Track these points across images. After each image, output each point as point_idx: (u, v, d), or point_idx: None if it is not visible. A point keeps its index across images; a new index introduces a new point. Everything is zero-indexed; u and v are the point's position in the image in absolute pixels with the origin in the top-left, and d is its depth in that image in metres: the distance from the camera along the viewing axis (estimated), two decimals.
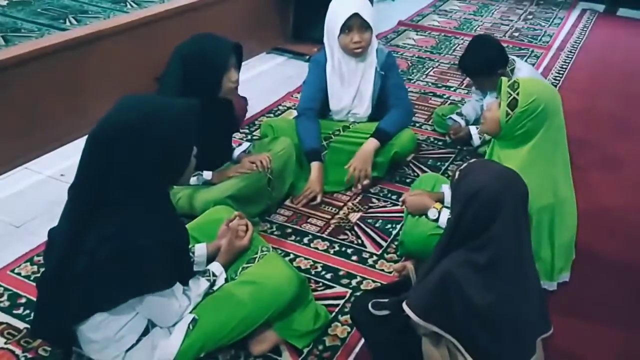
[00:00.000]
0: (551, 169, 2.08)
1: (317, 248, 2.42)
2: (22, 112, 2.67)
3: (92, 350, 1.70)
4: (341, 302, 2.14)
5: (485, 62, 2.89)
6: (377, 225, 2.57)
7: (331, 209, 2.67)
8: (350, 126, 2.86)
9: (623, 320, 2.14)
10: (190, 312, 1.76)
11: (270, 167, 2.51)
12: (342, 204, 2.72)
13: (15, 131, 2.62)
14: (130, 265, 1.54)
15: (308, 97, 2.86)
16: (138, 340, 1.69)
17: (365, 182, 2.75)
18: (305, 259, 2.35)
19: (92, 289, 1.57)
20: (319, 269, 2.30)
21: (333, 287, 2.21)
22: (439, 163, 3.09)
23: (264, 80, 4.05)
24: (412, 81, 4.17)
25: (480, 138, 3.06)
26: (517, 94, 2.01)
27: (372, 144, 2.72)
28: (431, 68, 4.43)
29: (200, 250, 1.95)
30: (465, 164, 1.70)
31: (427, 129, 3.46)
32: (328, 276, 2.26)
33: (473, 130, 3.08)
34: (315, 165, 2.70)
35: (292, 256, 2.37)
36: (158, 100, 1.63)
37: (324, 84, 2.84)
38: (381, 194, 2.79)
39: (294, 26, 4.43)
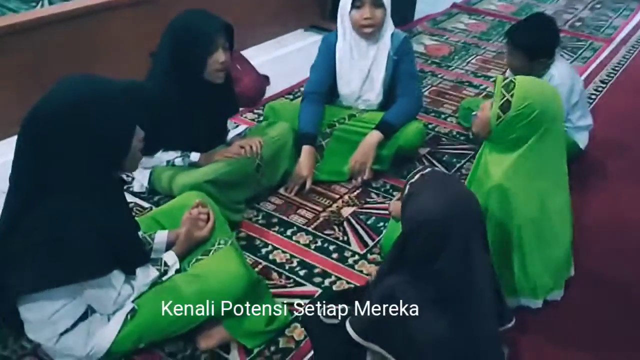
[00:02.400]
0: (539, 180, 1.88)
1: (298, 241, 2.31)
2: (28, 77, 2.67)
3: (29, 329, 1.67)
4: (307, 302, 2.03)
5: (534, 41, 2.64)
6: (368, 222, 2.43)
7: (325, 201, 2.55)
8: (357, 115, 2.72)
9: (615, 350, 1.93)
10: (133, 301, 1.70)
11: (261, 153, 2.41)
12: (337, 196, 2.59)
13: (16, 97, 2.62)
14: (60, 251, 1.50)
15: (315, 80, 2.73)
16: (75, 325, 1.65)
17: (366, 176, 2.60)
18: (283, 252, 2.25)
19: (23, 272, 1.53)
20: (294, 264, 2.20)
21: (303, 284, 2.11)
22: (454, 160, 2.90)
23: (296, 58, 3.92)
24: (450, 68, 3.94)
25: None
26: (512, 95, 1.82)
27: (374, 136, 2.57)
28: (474, 55, 4.18)
29: (160, 237, 1.89)
30: (415, 176, 1.55)
31: (452, 122, 3.26)
32: (302, 272, 2.16)
33: None
34: (305, 149, 2.56)
35: (270, 248, 2.27)
36: (96, 83, 1.54)
37: (332, 67, 2.70)
38: (382, 189, 2.64)
39: (333, 4, 4.25)
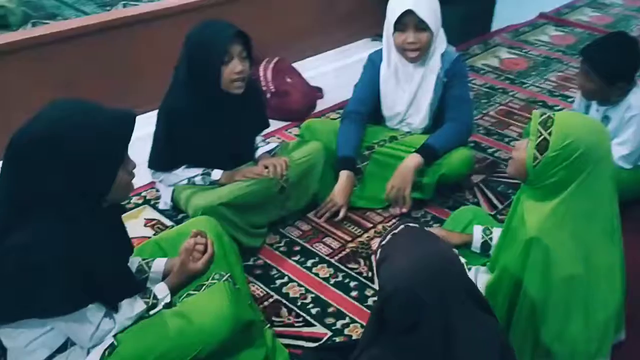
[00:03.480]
0: (585, 232, 1.60)
1: (317, 274, 2.13)
2: (61, 88, 2.65)
3: (9, 357, 1.60)
4: (314, 344, 1.85)
5: (613, 63, 2.34)
6: None
7: (356, 230, 2.36)
8: (399, 137, 2.50)
9: None
10: (115, 336, 1.59)
11: (286, 174, 2.25)
12: (371, 225, 2.39)
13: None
14: (27, 283, 1.40)
15: (357, 99, 2.55)
16: (52, 357, 1.56)
17: (404, 208, 2.38)
18: (299, 285, 2.08)
19: None
20: (308, 300, 2.02)
21: (313, 325, 1.93)
22: (510, 191, 2.61)
23: (358, 69, 3.72)
24: (525, 85, 3.62)
25: None
26: (549, 133, 1.56)
27: (414, 160, 2.34)
28: (555, 71, 3.82)
29: (157, 266, 1.78)
30: (387, 237, 1.37)
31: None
32: (314, 311, 1.98)
33: None
34: (342, 175, 2.38)
35: (285, 279, 2.11)
36: (82, 109, 1.44)
37: (376, 86, 2.50)
38: (422, 220, 2.42)
39: None
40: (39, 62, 2.54)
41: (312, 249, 2.25)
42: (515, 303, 1.70)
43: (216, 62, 2.07)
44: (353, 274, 2.14)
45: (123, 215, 2.32)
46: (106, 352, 1.55)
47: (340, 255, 2.23)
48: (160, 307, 1.65)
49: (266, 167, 2.24)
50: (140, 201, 2.48)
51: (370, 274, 2.15)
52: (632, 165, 2.43)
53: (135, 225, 2.32)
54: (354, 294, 2.06)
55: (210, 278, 1.72)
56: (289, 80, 3.09)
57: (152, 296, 1.66)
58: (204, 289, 1.69)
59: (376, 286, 2.08)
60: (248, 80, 2.24)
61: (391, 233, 1.39)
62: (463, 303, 1.28)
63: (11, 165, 1.43)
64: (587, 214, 1.59)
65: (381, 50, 2.49)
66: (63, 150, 1.38)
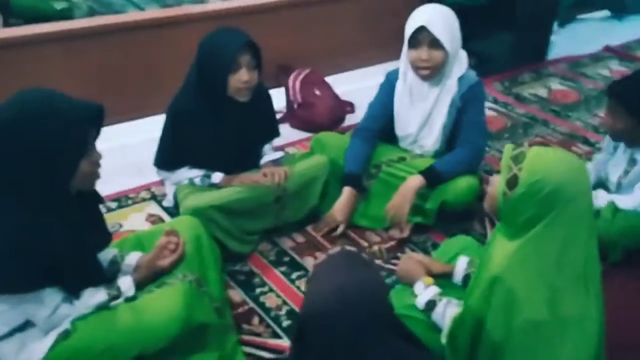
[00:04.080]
0: (553, 275, 1.49)
1: (299, 287, 2.11)
2: (91, 80, 2.76)
3: None
4: (275, 356, 1.84)
5: None
6: (387, 280, 2.16)
7: (350, 247, 2.32)
8: (408, 158, 2.45)
9: None
10: (73, 321, 1.63)
11: (284, 184, 2.26)
12: (367, 244, 2.35)
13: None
14: None
15: (369, 116, 2.52)
16: (11, 334, 1.61)
17: (404, 233, 2.34)
18: (277, 295, 2.07)
19: None
20: (283, 312, 2.01)
21: (280, 337, 1.91)
22: None
23: None
24: (570, 118, 3.46)
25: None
26: (520, 169, 1.49)
27: (415, 180, 2.28)
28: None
29: (130, 259, 1.82)
30: (323, 256, 1.34)
31: None
32: (285, 324, 1.96)
33: None
34: (345, 191, 2.36)
35: (266, 288, 2.11)
36: (48, 99, 1.49)
37: (390, 105, 2.47)
38: (422, 246, 2.35)
39: None
40: (71, 54, 2.65)
41: (301, 262, 2.23)
42: (478, 342, 1.62)
43: (224, 70, 2.10)
44: None
45: (128, 208, 2.46)
46: (59, 337, 1.60)
47: None
48: (121, 299, 1.69)
49: (265, 175, 2.25)
50: (148, 196, 2.55)
51: None
52: None
53: (137, 218, 2.39)
54: None
55: (175, 277, 1.74)
56: (317, 92, 3.10)
57: (116, 288, 1.69)
58: (164, 286, 1.71)
59: None
60: (260, 88, 2.28)
61: (327, 254, 1.37)
62: (380, 335, 1.25)
63: None
64: (556, 256, 1.49)
65: (397, 70, 2.46)
66: (24, 139, 1.43)
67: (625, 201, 2.30)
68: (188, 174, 2.28)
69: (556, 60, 4.20)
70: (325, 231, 2.37)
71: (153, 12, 3.00)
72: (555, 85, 3.87)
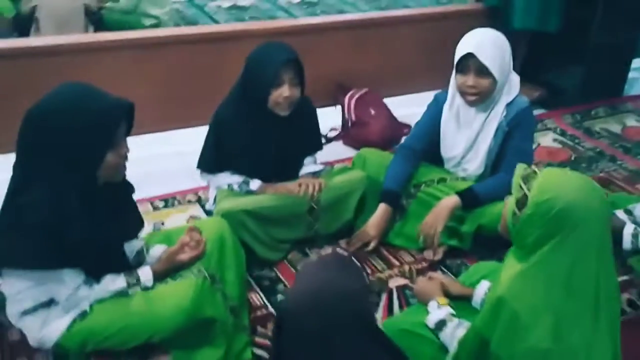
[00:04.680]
0: (558, 299, 1.43)
1: None
2: (159, 85, 2.91)
3: (7, 302, 1.80)
4: None
5: None
6: (411, 301, 2.13)
7: (380, 265, 2.31)
8: (448, 180, 2.41)
9: None
10: (92, 305, 1.72)
11: (318, 196, 2.28)
12: (398, 264, 2.33)
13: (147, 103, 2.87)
14: (14, 238, 1.59)
15: (414, 135, 2.51)
16: (35, 309, 1.72)
17: (437, 255, 2.30)
18: None
19: None
20: None
21: None
22: None
23: None
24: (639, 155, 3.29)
25: (632, 243, 2.27)
26: (529, 189, 1.45)
27: (451, 200, 2.25)
28: None
29: (154, 251, 1.90)
30: (314, 255, 1.35)
31: None
32: None
33: (627, 229, 2.31)
34: (380, 207, 2.35)
35: (281, 286, 2.13)
36: (83, 93, 1.61)
37: (436, 126, 2.45)
38: (455, 270, 2.30)
39: (523, 63, 3.87)
40: (140, 61, 2.82)
41: None
42: None
43: (266, 85, 2.17)
44: None
45: (173, 208, 2.56)
46: (77, 317, 1.70)
47: None
48: (139, 288, 1.76)
49: (300, 186, 2.29)
50: (194, 199, 2.65)
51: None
52: None
53: (178, 218, 2.50)
54: None
55: (190, 271, 1.80)
56: (372, 112, 3.12)
57: (135, 277, 1.77)
58: (179, 279, 1.77)
59: None
60: (304, 103, 2.33)
61: (319, 253, 1.38)
62: (350, 338, 1.23)
63: (20, 135, 1.62)
64: (563, 281, 1.43)
65: (446, 91, 2.44)
66: (55, 128, 1.55)
67: None
68: (228, 179, 2.35)
69: (637, 96, 4.01)
70: (358, 246, 2.36)
71: (217, 27, 3.17)
72: (631, 122, 3.69)
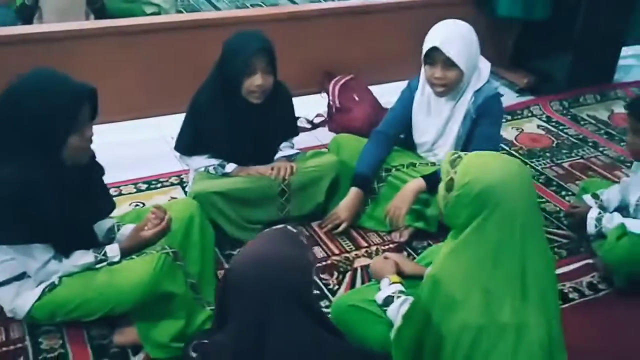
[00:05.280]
0: (485, 277, 1.50)
1: None
2: (141, 72, 3.00)
3: None
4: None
5: None
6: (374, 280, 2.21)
7: (349, 245, 2.40)
8: (417, 164, 2.49)
9: None
10: (62, 277, 1.84)
11: (289, 179, 2.37)
12: (366, 245, 2.41)
13: (137, 86, 2.97)
14: None
15: (387, 121, 2.59)
16: (9, 281, 1.84)
17: (402, 237, 2.39)
18: None
19: None
20: None
21: None
22: None
23: None
24: (623, 143, 3.30)
25: (596, 226, 2.33)
26: (455, 172, 1.52)
27: (416, 184, 2.33)
28: None
29: (124, 230, 2.00)
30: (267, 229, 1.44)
31: (570, 202, 2.75)
32: None
33: (591, 213, 2.36)
34: (351, 191, 2.44)
35: None
36: (49, 78, 1.71)
37: (409, 112, 2.52)
38: (420, 251, 2.38)
39: (514, 51, 3.90)
40: (123, 47, 2.92)
41: None
42: (424, 342, 1.65)
43: (238, 73, 2.25)
44: (320, 283, 2.20)
45: (155, 190, 2.67)
46: (46, 289, 1.82)
47: (319, 264, 2.29)
48: (106, 263, 1.87)
49: (272, 169, 2.38)
50: (176, 182, 2.75)
51: (337, 287, 2.19)
52: None
53: (159, 200, 2.59)
54: None
55: (154, 248, 1.91)
56: (356, 98, 3.18)
57: (103, 253, 1.88)
58: (143, 255, 1.88)
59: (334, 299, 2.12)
60: (280, 90, 2.42)
61: (273, 227, 1.47)
62: (288, 309, 1.31)
63: None
64: (489, 259, 1.49)
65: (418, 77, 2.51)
66: (21, 111, 1.66)
67: (635, 226, 2.21)
68: (205, 162, 2.44)
69: (628, 83, 4.01)
70: (329, 228, 2.46)
71: (203, 14, 3.24)
72: (619, 108, 3.69)
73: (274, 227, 1.49)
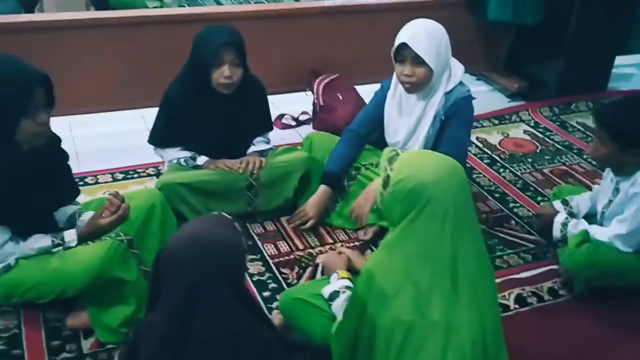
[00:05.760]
0: (416, 272, 1.51)
1: (247, 269, 2.25)
2: (130, 63, 3.05)
3: None
4: None
5: (628, 126, 2.11)
6: None
7: (314, 241, 2.42)
8: None
9: None
10: (18, 259, 1.88)
11: (257, 173, 2.40)
12: (331, 241, 2.43)
13: (139, 77, 3.03)
14: None
15: (359, 120, 2.61)
16: None
17: (366, 236, 2.41)
18: None
19: None
20: None
21: None
22: (501, 247, 2.47)
23: None
24: None
25: (562, 231, 2.32)
26: (391, 169, 1.54)
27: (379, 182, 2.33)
28: None
29: (85, 216, 2.03)
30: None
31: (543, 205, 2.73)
32: None
33: (558, 218, 2.36)
34: (320, 189, 2.46)
35: None
36: (3, 62, 1.76)
37: (380, 112, 2.54)
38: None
39: (508, 55, 3.89)
40: (109, 39, 2.97)
41: (261, 248, 2.36)
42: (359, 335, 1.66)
43: (207, 65, 2.29)
44: (279, 277, 2.22)
45: (131, 180, 2.72)
46: (2, 270, 1.86)
47: (281, 259, 2.32)
48: (61, 248, 1.91)
49: (241, 163, 2.41)
50: (153, 173, 2.80)
51: (295, 281, 2.21)
52: (631, 248, 2.15)
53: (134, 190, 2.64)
54: (266, 293, 2.14)
55: (109, 236, 1.94)
56: (340, 97, 3.20)
57: (60, 237, 1.92)
58: (97, 241, 1.92)
59: None
60: (253, 83, 2.45)
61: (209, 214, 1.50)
62: (217, 291, 1.33)
63: None
64: (419, 255, 1.50)
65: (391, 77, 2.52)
66: None
67: (598, 233, 2.20)
68: (177, 154, 2.48)
69: (624, 92, 3.96)
70: (297, 223, 2.48)
71: (190, 9, 3.29)
72: None
73: (210, 214, 1.52)
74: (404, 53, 2.31)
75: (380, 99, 2.55)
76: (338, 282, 1.85)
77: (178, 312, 1.31)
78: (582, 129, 3.51)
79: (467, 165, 2.95)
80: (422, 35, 2.30)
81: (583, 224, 2.28)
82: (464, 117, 2.42)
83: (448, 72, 2.40)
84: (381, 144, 2.61)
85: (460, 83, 2.44)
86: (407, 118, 2.46)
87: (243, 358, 1.35)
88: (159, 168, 2.82)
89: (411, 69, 2.31)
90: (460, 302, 1.53)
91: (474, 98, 2.47)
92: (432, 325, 1.52)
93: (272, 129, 2.64)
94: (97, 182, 2.70)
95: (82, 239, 1.93)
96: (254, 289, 2.16)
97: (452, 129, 2.38)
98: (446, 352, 1.52)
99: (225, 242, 1.40)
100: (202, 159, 2.46)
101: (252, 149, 2.55)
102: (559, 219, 2.36)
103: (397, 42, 2.32)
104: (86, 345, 1.91)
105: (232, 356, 1.33)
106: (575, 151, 3.26)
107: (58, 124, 2.96)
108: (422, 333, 1.53)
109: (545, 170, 3.05)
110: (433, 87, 2.38)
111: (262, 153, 2.54)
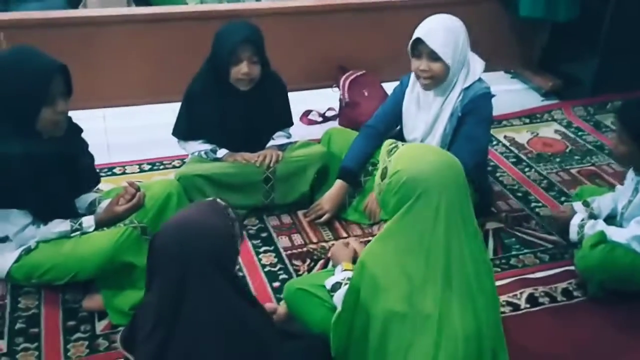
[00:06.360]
0: (410, 264, 1.53)
1: (260, 260, 2.30)
2: (152, 60, 3.12)
3: None
4: None
5: None
6: None
7: (328, 235, 2.45)
8: None
9: None
10: (39, 242, 1.98)
11: (274, 167, 2.45)
12: (346, 236, 2.45)
13: (157, 72, 3.11)
14: None
15: (378, 116, 2.62)
16: None
17: (381, 230, 2.41)
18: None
19: None
20: None
21: None
22: (518, 246, 2.44)
23: None
24: None
25: (578, 233, 2.29)
26: (390, 161, 1.55)
27: None
28: None
29: (103, 204, 2.13)
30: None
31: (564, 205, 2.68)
32: None
33: (574, 220, 2.32)
34: (336, 183, 2.49)
35: None
36: (23, 53, 1.85)
37: (398, 108, 2.54)
38: None
39: (542, 53, 3.82)
40: (136, 36, 3.06)
41: (275, 239, 2.41)
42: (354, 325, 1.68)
43: (225, 62, 2.35)
44: (291, 269, 2.26)
45: (157, 172, 2.81)
46: (22, 252, 1.97)
47: (294, 251, 2.35)
48: (79, 233, 2.00)
49: (258, 156, 2.46)
50: (178, 165, 2.87)
51: (305, 273, 2.24)
52: None
53: None
54: (275, 284, 2.18)
55: (123, 223, 2.02)
56: (365, 93, 3.21)
57: (79, 223, 2.01)
58: (112, 228, 2.00)
59: None
60: (273, 79, 2.50)
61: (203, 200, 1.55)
62: (207, 275, 1.38)
63: None
64: (412, 247, 1.52)
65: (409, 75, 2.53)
66: None
67: (616, 234, 2.16)
68: (199, 147, 2.55)
69: (624, 94, 3.82)
70: (312, 217, 2.52)
71: (217, 6, 3.33)
72: None
73: (204, 199, 1.57)
74: (420, 48, 2.32)
75: (398, 95, 2.56)
76: (341, 274, 1.87)
77: (169, 292, 1.36)
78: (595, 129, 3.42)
79: (491, 163, 2.92)
80: (439, 30, 2.29)
81: (600, 225, 2.24)
82: (481, 114, 2.40)
83: (467, 69, 2.39)
84: (401, 139, 2.61)
85: (480, 80, 2.42)
86: (425, 114, 2.46)
87: (232, 341, 1.40)
88: (185, 160, 2.90)
89: (427, 64, 2.31)
90: (453, 295, 1.54)
91: (493, 95, 2.45)
92: (425, 318, 1.53)
93: (292, 124, 2.67)
94: (124, 173, 2.80)
95: (100, 225, 2.02)
96: (265, 279, 2.20)
97: (468, 126, 2.37)
98: (438, 345, 1.53)
99: (215, 226, 1.44)
100: (222, 152, 2.52)
101: (271, 142, 2.59)
102: (575, 221, 2.31)
103: (413, 37, 2.32)
104: (99, 326, 1.99)
105: (222, 338, 1.38)
106: (606, 152, 3.17)
107: (93, 116, 3.15)
108: (414, 326, 1.54)
109: (573, 171, 2.99)
110: (451, 83, 2.37)
111: (281, 147, 2.58)
